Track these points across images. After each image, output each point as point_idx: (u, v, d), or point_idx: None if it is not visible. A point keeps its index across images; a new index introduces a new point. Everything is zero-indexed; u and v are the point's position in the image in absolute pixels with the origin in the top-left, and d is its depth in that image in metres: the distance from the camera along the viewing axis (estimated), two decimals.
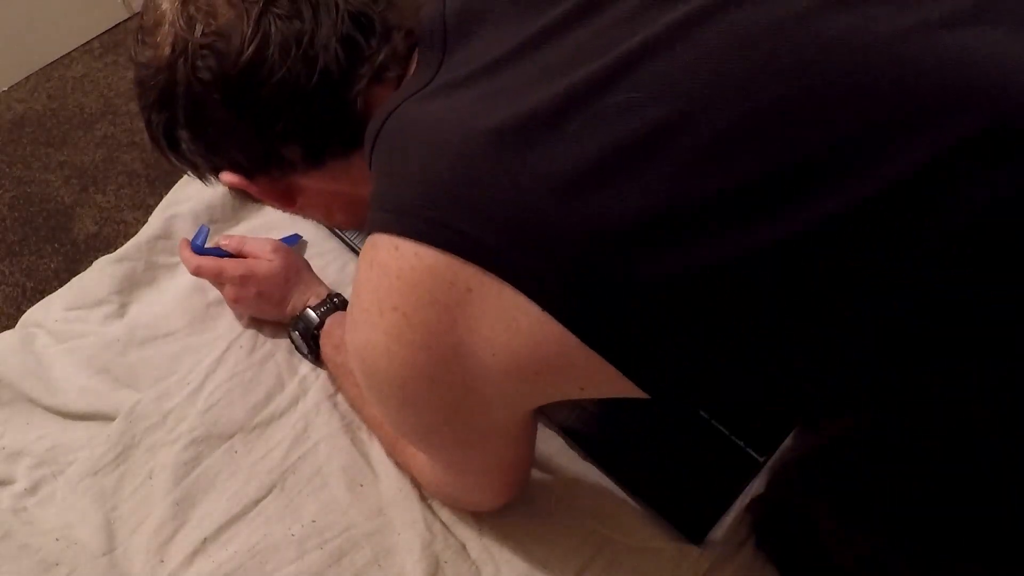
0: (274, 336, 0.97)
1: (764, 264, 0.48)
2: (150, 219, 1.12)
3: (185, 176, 1.15)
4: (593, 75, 0.52)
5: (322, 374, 0.94)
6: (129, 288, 1.03)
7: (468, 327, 0.54)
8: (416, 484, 0.85)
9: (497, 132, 0.52)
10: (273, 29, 0.62)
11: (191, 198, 1.12)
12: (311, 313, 0.92)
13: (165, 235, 1.07)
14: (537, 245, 0.51)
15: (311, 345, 0.93)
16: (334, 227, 1.01)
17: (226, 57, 0.62)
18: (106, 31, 1.58)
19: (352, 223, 0.82)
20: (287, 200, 0.74)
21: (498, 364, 0.55)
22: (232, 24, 0.62)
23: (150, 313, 1.01)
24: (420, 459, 0.79)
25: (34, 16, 1.50)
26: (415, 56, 0.66)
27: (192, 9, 0.63)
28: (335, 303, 0.93)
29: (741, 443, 0.86)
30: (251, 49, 0.62)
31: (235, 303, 0.97)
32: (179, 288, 1.03)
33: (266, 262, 0.95)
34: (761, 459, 0.85)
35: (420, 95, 0.61)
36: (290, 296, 0.95)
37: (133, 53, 0.68)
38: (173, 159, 0.72)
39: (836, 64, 0.48)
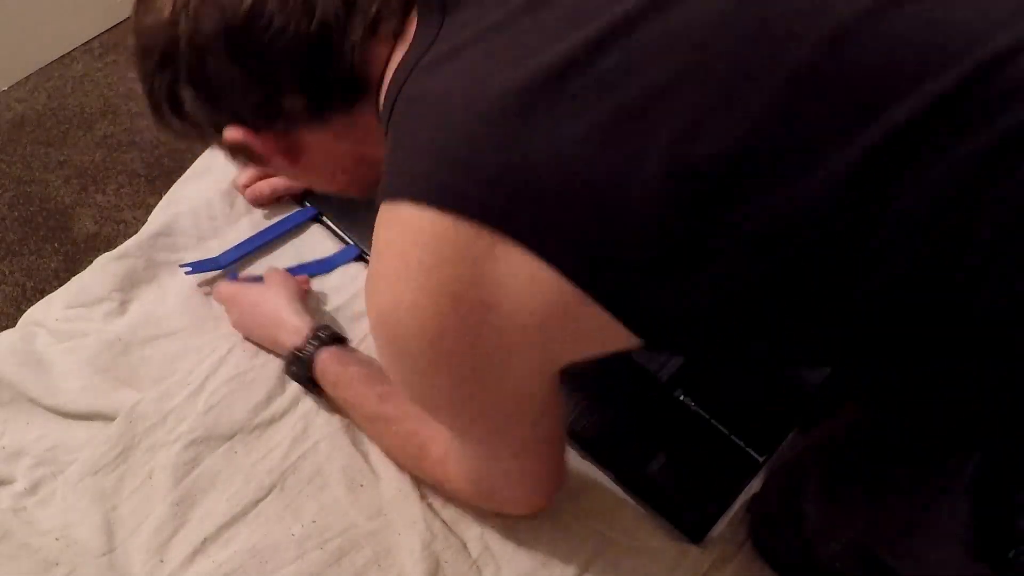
0: None
1: (764, 229, 0.52)
2: (151, 216, 1.12)
3: (185, 174, 1.17)
4: (589, 39, 0.55)
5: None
6: (130, 286, 1.03)
7: (494, 281, 0.55)
8: (416, 484, 0.85)
9: (500, 99, 0.55)
10: None
11: (192, 196, 1.12)
12: (299, 356, 0.88)
13: (166, 232, 1.07)
14: (546, 207, 0.54)
15: (310, 388, 0.90)
16: (337, 192, 1.01)
17: (227, 8, 0.64)
18: (106, 31, 1.58)
19: (355, 186, 0.81)
20: (291, 156, 0.74)
21: (520, 318, 0.57)
22: None
23: (151, 312, 1.00)
24: (449, 456, 0.77)
25: (34, 16, 1.50)
26: (412, 15, 0.67)
27: None
28: (320, 339, 0.88)
29: (741, 443, 0.86)
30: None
31: (234, 327, 0.97)
32: (180, 286, 1.03)
33: (243, 293, 0.96)
34: (761, 459, 0.85)
35: (429, 60, 0.62)
36: (272, 335, 0.92)
37: (133, 21, 0.70)
38: (176, 123, 0.73)
39: (819, 35, 0.52)
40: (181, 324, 0.99)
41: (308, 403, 0.91)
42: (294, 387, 0.92)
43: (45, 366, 0.95)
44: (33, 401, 0.92)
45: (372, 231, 0.61)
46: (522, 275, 0.55)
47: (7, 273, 1.17)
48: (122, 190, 1.28)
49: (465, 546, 0.82)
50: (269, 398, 0.92)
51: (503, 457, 0.73)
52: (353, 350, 0.90)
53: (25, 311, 1.03)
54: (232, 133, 0.71)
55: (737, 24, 0.54)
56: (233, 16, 0.65)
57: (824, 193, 0.50)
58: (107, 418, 0.91)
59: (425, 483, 0.85)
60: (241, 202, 1.11)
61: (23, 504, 0.85)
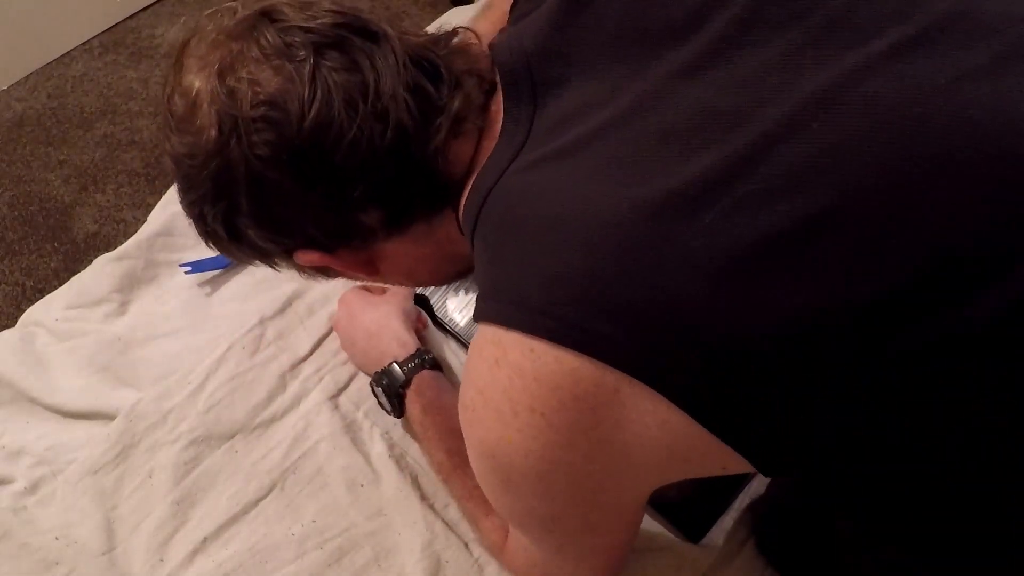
0: (278, 339, 0.96)
1: (916, 375, 0.46)
2: (150, 216, 1.12)
3: None
4: (728, 157, 0.48)
5: (325, 376, 0.94)
6: (130, 286, 1.03)
7: (616, 423, 0.50)
8: (417, 484, 0.85)
9: (629, 222, 0.48)
10: (332, 85, 0.55)
11: None
12: (397, 369, 0.85)
13: (166, 232, 1.07)
14: (680, 347, 0.47)
15: (395, 403, 0.86)
16: (414, 287, 0.97)
17: (286, 126, 0.55)
18: (106, 30, 1.57)
19: (434, 280, 0.78)
20: (370, 270, 0.67)
21: (641, 457, 0.52)
22: (284, 89, 0.55)
23: (151, 312, 1.01)
24: (516, 543, 0.72)
25: (34, 15, 1.50)
26: (494, 106, 0.61)
27: (232, 81, 0.56)
28: (424, 360, 0.85)
29: None
30: (313, 112, 0.55)
31: (334, 327, 0.94)
32: (180, 287, 1.03)
33: (360, 297, 0.92)
34: None
35: (520, 163, 0.56)
36: (376, 340, 0.89)
37: (168, 145, 0.60)
38: (235, 250, 0.65)
39: (984, 148, 0.45)
40: (181, 324, 0.99)
41: (309, 403, 0.91)
42: (295, 386, 0.92)
43: (45, 365, 0.95)
44: (33, 400, 0.93)
45: None
46: (649, 419, 0.49)
47: (7, 272, 1.17)
48: (122, 190, 1.28)
49: (467, 546, 0.81)
50: (270, 397, 0.92)
51: (569, 559, 0.67)
52: (448, 381, 0.87)
53: (25, 311, 1.03)
54: (307, 257, 0.64)
55: (886, 146, 0.46)
56: (296, 134, 0.55)
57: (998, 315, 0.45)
58: (107, 417, 0.91)
59: (430, 495, 0.84)
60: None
61: (23, 503, 0.85)
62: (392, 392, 0.85)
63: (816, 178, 0.46)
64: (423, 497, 0.84)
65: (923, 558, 0.57)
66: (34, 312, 1.02)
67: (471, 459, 0.60)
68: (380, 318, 0.89)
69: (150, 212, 1.13)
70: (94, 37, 1.55)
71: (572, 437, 0.51)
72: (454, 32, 0.64)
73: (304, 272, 0.69)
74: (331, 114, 0.55)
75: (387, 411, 0.88)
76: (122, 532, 0.84)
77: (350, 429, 0.90)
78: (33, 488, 0.87)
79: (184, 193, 0.62)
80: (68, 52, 1.52)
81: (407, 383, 0.84)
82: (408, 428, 0.88)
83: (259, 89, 0.55)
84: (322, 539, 0.82)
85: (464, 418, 0.57)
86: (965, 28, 0.48)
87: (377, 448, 0.88)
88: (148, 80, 1.46)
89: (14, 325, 1.01)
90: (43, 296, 1.05)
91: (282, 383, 0.93)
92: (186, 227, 1.07)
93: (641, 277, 0.48)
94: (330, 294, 1.01)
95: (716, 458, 0.51)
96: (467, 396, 0.56)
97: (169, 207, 1.11)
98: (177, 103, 0.58)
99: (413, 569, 0.79)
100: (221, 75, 0.56)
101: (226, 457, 0.87)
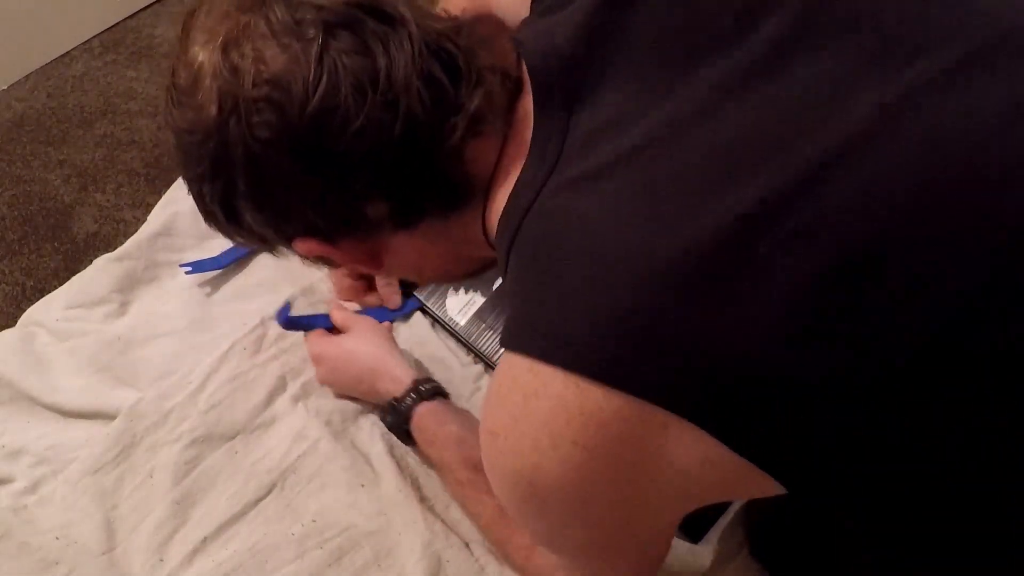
0: (279, 339, 0.96)
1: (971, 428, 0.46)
2: (150, 216, 1.12)
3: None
4: (777, 188, 0.46)
5: None
6: (130, 286, 1.03)
7: (660, 458, 0.49)
8: (417, 486, 0.85)
9: (677, 262, 0.46)
10: (340, 68, 0.52)
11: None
12: (395, 409, 0.84)
13: (166, 232, 1.07)
14: (734, 393, 0.46)
15: (403, 438, 0.86)
16: (422, 284, 0.94)
17: (288, 108, 0.52)
18: (106, 29, 1.57)
19: (442, 279, 0.76)
20: (375, 262, 0.64)
21: (682, 487, 0.51)
22: (288, 69, 0.52)
23: (151, 312, 1.01)
24: (539, 551, 0.71)
25: (34, 15, 1.50)
26: (520, 109, 0.58)
27: (236, 57, 0.53)
28: (422, 391, 0.83)
29: None
30: (318, 95, 0.52)
31: (321, 383, 0.92)
32: (180, 287, 1.03)
33: (336, 344, 0.89)
34: None
35: (557, 182, 0.53)
36: (370, 384, 0.87)
37: (170, 118, 0.58)
38: (234, 233, 0.62)
39: None
40: (181, 324, 0.99)
41: (310, 403, 0.91)
42: (295, 387, 0.92)
43: (45, 365, 0.95)
44: (33, 400, 0.93)
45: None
46: (694, 454, 0.48)
47: (7, 272, 1.17)
48: (122, 189, 1.28)
49: (468, 545, 0.81)
50: (271, 398, 0.92)
51: (603, 574, 0.66)
52: (453, 407, 0.85)
53: (25, 310, 1.03)
54: (306, 246, 0.61)
55: (940, 175, 0.45)
56: (297, 117, 0.52)
57: None
58: (107, 417, 0.91)
59: (430, 496, 0.84)
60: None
61: (23, 503, 0.85)
62: (398, 431, 0.86)
63: (867, 209, 0.45)
64: (423, 498, 0.84)
65: (923, 558, 0.56)
66: (34, 312, 1.02)
67: (496, 484, 0.57)
68: (368, 359, 0.87)
69: (150, 212, 1.13)
70: (94, 37, 1.55)
71: (615, 471, 0.50)
72: (478, 20, 0.61)
73: (305, 261, 0.66)
74: (337, 99, 0.52)
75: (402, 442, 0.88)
76: (122, 532, 0.84)
77: (350, 429, 0.90)
78: (33, 487, 0.87)
79: (184, 168, 0.60)
80: (68, 52, 1.52)
81: (408, 419, 0.83)
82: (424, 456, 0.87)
83: (263, 67, 0.53)
84: (322, 539, 0.82)
85: (492, 444, 0.55)
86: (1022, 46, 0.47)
87: (377, 448, 0.88)
88: (148, 80, 1.46)
89: (14, 325, 1.01)
90: (43, 296, 1.05)
91: (282, 383, 0.93)
92: (186, 227, 1.08)
93: (691, 319, 0.46)
94: (333, 295, 1.00)
95: (755, 486, 0.50)
96: (497, 424, 0.54)
97: (169, 207, 1.11)
98: (181, 75, 0.56)
99: (413, 569, 0.79)
100: (225, 49, 0.53)
101: (226, 457, 0.87)
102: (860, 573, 0.66)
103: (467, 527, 0.83)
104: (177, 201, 1.12)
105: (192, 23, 0.56)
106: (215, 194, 0.58)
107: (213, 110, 0.54)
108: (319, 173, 0.55)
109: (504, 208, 0.56)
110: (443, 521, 0.83)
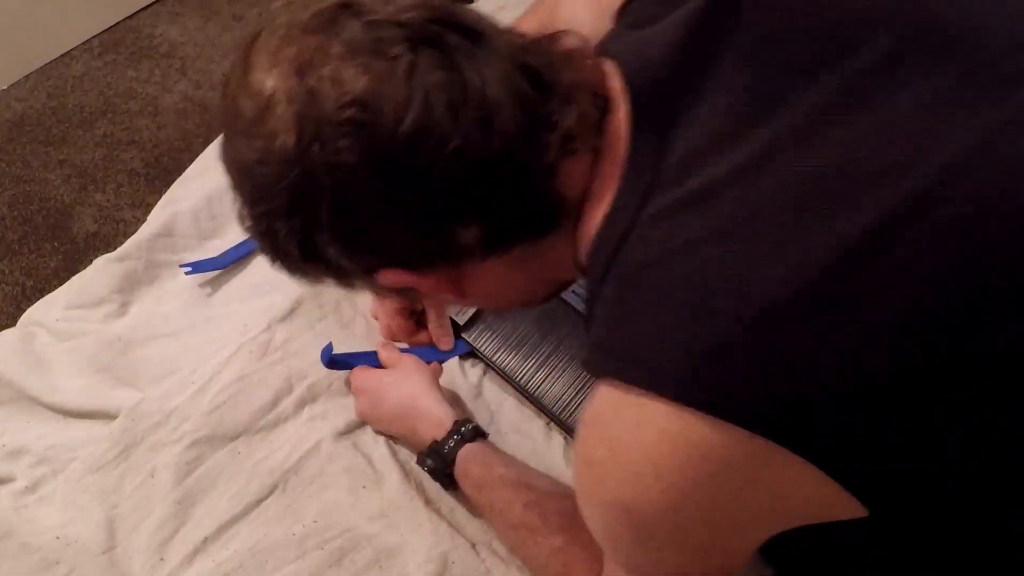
0: (286, 342, 0.95)
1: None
2: (150, 216, 1.12)
3: (185, 173, 1.16)
4: (875, 224, 0.45)
5: (334, 381, 0.93)
6: (130, 287, 1.03)
7: (762, 488, 0.49)
8: (421, 489, 0.85)
9: (783, 292, 0.46)
10: (431, 86, 0.50)
11: (191, 195, 1.12)
12: (437, 451, 0.80)
13: (166, 233, 1.07)
14: (844, 428, 0.46)
15: (444, 483, 0.83)
16: (499, 311, 0.88)
17: (378, 130, 0.50)
18: (106, 29, 1.57)
19: (517, 306, 0.74)
20: (458, 292, 0.62)
21: (783, 515, 0.52)
22: (373, 89, 0.50)
23: (151, 312, 1.01)
24: None
25: (34, 15, 1.50)
26: (612, 125, 0.56)
27: (313, 81, 0.50)
28: (463, 434, 0.80)
29: None
30: (411, 115, 0.50)
31: (358, 416, 0.89)
32: (180, 287, 1.03)
33: (377, 379, 0.87)
34: None
35: (655, 207, 0.52)
36: (408, 423, 0.84)
37: (233, 152, 0.54)
38: (309, 272, 0.59)
39: None
40: (181, 324, 0.99)
41: (315, 407, 0.91)
42: (300, 390, 0.92)
43: (45, 365, 0.95)
44: (33, 400, 0.92)
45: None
46: (796, 486, 0.48)
47: (7, 272, 1.17)
48: (122, 189, 1.28)
49: (474, 546, 0.81)
50: (275, 400, 0.91)
51: None
52: (494, 448, 0.82)
53: (25, 310, 1.03)
54: (392, 277, 0.58)
55: None
56: (388, 139, 0.50)
57: None
58: (107, 417, 0.91)
59: (435, 499, 0.84)
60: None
61: (24, 502, 0.85)
62: (439, 475, 0.82)
63: (969, 240, 0.45)
64: (428, 500, 0.84)
65: (924, 558, 0.56)
66: (34, 312, 1.02)
67: (590, 513, 0.56)
68: (407, 398, 0.84)
69: (150, 212, 1.13)
70: (94, 37, 1.55)
71: (715, 500, 0.50)
72: (556, 35, 0.59)
73: (382, 293, 0.63)
74: (432, 118, 0.50)
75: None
76: (123, 531, 0.83)
77: (354, 432, 0.90)
78: (34, 487, 0.86)
79: (251, 206, 0.55)
80: (68, 52, 1.52)
81: (451, 463, 0.80)
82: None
83: (345, 89, 0.50)
84: (323, 539, 0.82)
85: (589, 474, 0.54)
86: None
87: (380, 451, 0.88)
88: (148, 80, 1.46)
89: (14, 325, 1.01)
90: (43, 296, 1.05)
91: (288, 386, 0.93)
92: (186, 227, 1.08)
93: (799, 351, 0.46)
94: (340, 298, 1.00)
95: (841, 511, 0.50)
96: (596, 454, 0.53)
97: (169, 207, 1.11)
98: (244, 104, 0.52)
99: (416, 570, 0.79)
100: (300, 73, 0.51)
101: (229, 457, 0.87)
102: (861, 572, 0.66)
103: (473, 529, 0.82)
104: (177, 201, 1.12)
105: (252, 49, 0.53)
106: (293, 230, 0.54)
107: (290, 137, 0.51)
108: (412, 197, 0.53)
109: (599, 231, 0.55)
110: (449, 523, 0.83)
